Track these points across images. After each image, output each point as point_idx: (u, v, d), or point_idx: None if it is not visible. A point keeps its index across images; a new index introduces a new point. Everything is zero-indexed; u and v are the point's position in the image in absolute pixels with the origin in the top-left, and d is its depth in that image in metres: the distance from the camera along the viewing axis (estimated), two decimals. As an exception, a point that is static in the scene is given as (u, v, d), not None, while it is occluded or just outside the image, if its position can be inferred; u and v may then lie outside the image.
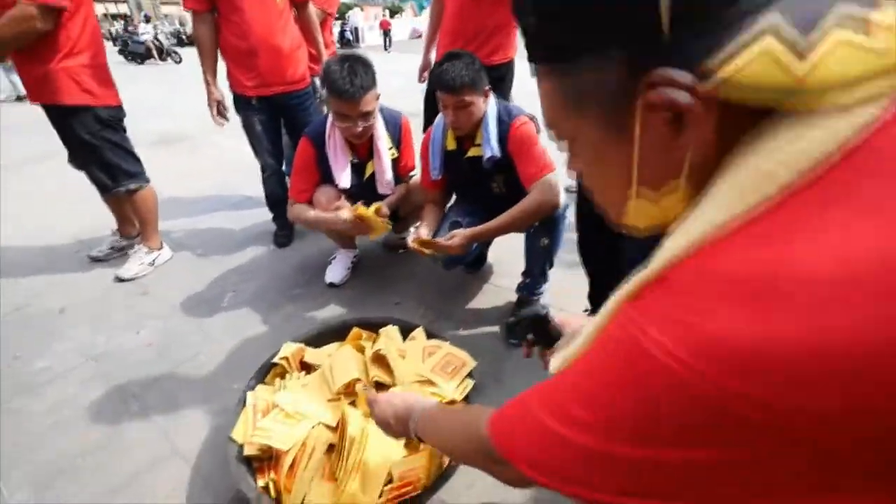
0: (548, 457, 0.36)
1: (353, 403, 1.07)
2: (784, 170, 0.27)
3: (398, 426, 0.73)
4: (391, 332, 1.26)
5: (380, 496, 0.88)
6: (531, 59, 0.37)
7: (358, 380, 1.09)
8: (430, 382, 1.09)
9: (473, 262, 1.92)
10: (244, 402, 1.08)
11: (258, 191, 2.63)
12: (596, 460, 0.32)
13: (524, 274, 1.58)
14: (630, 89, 0.30)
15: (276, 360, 1.19)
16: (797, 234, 0.26)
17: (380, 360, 1.14)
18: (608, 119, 0.33)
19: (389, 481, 0.91)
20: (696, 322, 0.26)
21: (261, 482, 0.94)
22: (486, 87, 1.37)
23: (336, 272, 1.88)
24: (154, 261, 2.02)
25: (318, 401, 1.06)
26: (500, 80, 2.02)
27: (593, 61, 0.31)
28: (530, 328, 0.78)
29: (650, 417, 0.28)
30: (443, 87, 1.31)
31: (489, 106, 1.39)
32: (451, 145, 1.50)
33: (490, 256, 1.98)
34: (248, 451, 0.97)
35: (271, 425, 0.96)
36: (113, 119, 1.77)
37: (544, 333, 0.77)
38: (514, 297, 1.72)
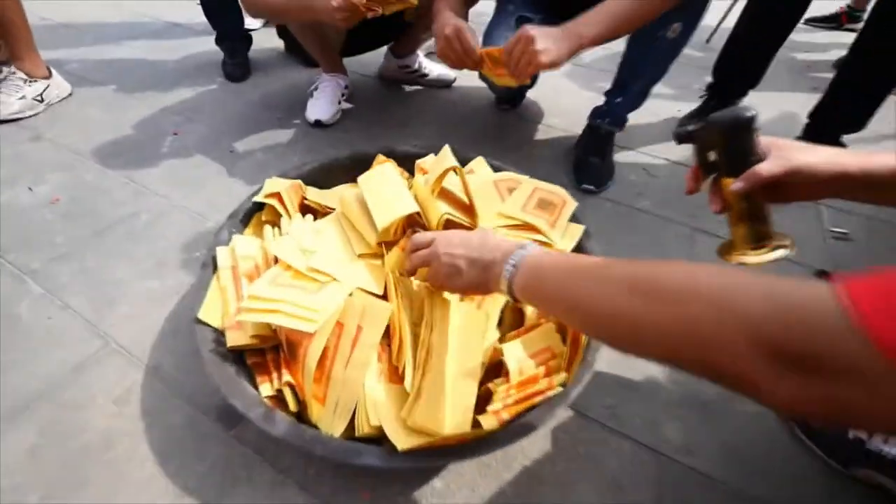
0: None
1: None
2: None
3: (476, 275, 0.47)
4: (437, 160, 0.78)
5: (490, 401, 0.50)
6: None
7: (415, 217, 0.64)
8: (529, 227, 0.66)
9: (512, 96, 1.41)
10: (213, 263, 0.62)
11: (187, 15, 1.90)
12: None
13: (613, 92, 1.10)
14: None
15: (259, 198, 0.71)
16: None
17: (445, 195, 0.68)
18: None
19: (493, 376, 0.53)
20: None
21: (265, 389, 0.54)
22: None
23: (322, 107, 1.32)
24: (43, 94, 1.37)
25: (343, 258, 0.62)
26: None
27: None
28: (722, 138, 0.49)
29: None
30: None
31: None
32: None
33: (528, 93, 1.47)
34: (233, 339, 0.55)
35: (273, 292, 0.53)
36: None
37: (739, 150, 0.48)
38: (571, 138, 1.28)
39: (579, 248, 0.71)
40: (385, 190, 0.64)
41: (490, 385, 0.52)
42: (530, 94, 1.48)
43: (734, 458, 0.65)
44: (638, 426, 0.68)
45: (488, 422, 0.48)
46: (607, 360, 0.74)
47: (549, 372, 0.52)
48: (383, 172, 0.68)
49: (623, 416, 0.69)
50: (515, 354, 0.52)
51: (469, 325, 0.53)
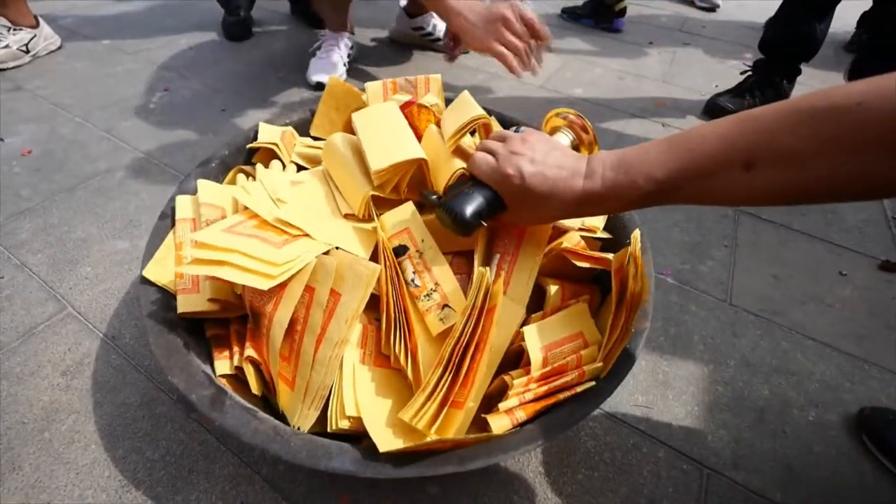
0: None
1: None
2: None
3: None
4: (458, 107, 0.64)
5: (504, 397, 0.39)
6: None
7: (423, 170, 0.52)
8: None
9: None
10: (171, 215, 0.52)
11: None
12: None
13: None
14: None
15: (256, 144, 0.60)
16: None
17: (460, 155, 0.55)
18: None
19: (510, 367, 0.42)
20: None
21: (222, 367, 0.44)
22: None
23: (325, 67, 1.21)
24: (28, 45, 1.27)
25: (323, 213, 0.50)
26: None
27: None
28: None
29: None
30: None
31: None
32: None
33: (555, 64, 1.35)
34: (185, 304, 0.44)
35: (225, 240, 0.41)
36: None
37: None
38: (601, 109, 1.16)
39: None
40: (386, 130, 0.52)
41: (505, 377, 0.40)
42: (557, 66, 1.36)
43: (793, 477, 0.54)
44: (676, 432, 0.57)
45: (499, 422, 0.37)
46: (641, 348, 0.63)
47: (580, 363, 0.41)
48: (385, 110, 0.56)
49: (658, 419, 0.57)
50: (538, 340, 0.41)
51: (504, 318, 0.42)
